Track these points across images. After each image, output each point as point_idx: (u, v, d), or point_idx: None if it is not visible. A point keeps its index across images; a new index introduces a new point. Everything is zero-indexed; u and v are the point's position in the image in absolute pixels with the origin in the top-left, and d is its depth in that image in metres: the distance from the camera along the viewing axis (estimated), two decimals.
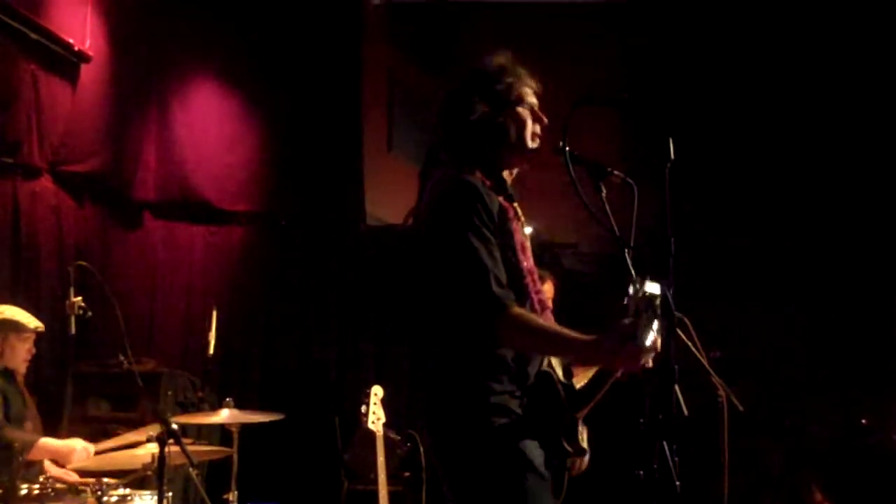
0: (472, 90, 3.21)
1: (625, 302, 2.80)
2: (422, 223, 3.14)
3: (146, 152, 7.96)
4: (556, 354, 3.07)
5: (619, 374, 3.02)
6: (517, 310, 2.94)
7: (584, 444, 3.14)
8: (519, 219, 3.20)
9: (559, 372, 3.10)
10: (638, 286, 2.78)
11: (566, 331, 2.98)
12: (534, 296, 3.12)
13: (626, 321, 2.79)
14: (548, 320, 3.15)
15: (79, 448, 5.25)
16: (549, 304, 5.71)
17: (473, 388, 2.98)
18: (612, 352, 2.84)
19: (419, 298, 3.14)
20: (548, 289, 6.16)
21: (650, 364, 2.87)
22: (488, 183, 3.10)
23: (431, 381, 3.09)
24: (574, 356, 3.08)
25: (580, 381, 3.15)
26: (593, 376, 3.14)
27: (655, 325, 2.78)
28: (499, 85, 3.19)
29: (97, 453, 5.28)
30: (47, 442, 5.32)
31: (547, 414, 3.03)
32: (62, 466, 5.35)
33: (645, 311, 2.77)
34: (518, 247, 3.10)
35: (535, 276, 3.17)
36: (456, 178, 3.08)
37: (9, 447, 5.13)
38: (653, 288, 2.79)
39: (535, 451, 2.98)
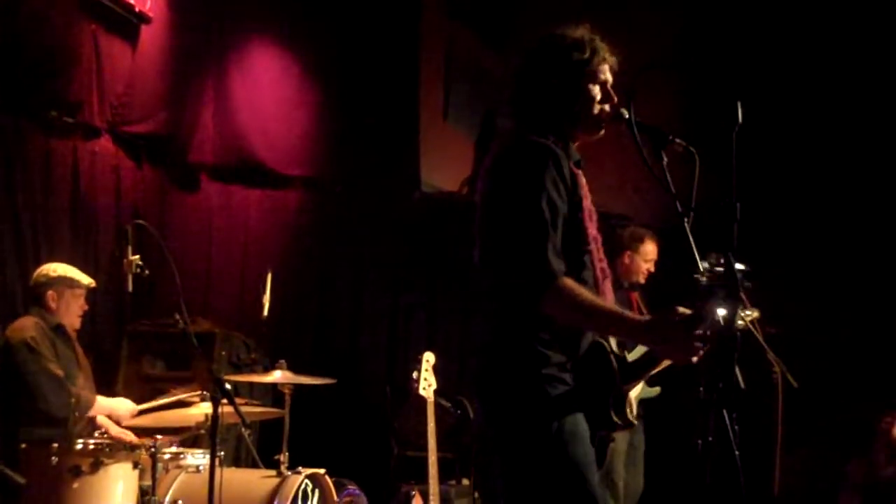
0: (548, 58, 3.18)
1: (698, 277, 2.75)
2: (484, 183, 3.10)
3: (204, 115, 7.98)
4: (601, 332, 3.03)
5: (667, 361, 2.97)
6: (567, 282, 2.89)
7: (632, 418, 3.10)
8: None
9: (612, 342, 3.07)
10: (712, 264, 2.73)
11: (616, 309, 2.95)
12: (596, 264, 3.11)
13: (686, 310, 2.77)
14: (607, 292, 3.13)
15: (123, 408, 5.54)
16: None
17: (528, 357, 2.96)
18: (662, 339, 2.85)
19: (476, 261, 3.11)
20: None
21: (698, 358, 2.81)
22: (560, 145, 3.08)
23: (486, 347, 3.07)
24: (621, 336, 3.03)
25: (635, 353, 3.11)
26: (648, 351, 3.10)
27: (720, 311, 2.73)
28: (574, 57, 3.16)
29: (143, 412, 5.50)
30: (101, 400, 5.52)
31: (597, 385, 3.01)
32: (118, 424, 5.50)
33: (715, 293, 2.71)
34: (586, 213, 3.08)
35: (600, 244, 3.14)
36: (527, 139, 3.06)
37: (68, 405, 5.25)
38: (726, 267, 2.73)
39: (583, 423, 2.97)
